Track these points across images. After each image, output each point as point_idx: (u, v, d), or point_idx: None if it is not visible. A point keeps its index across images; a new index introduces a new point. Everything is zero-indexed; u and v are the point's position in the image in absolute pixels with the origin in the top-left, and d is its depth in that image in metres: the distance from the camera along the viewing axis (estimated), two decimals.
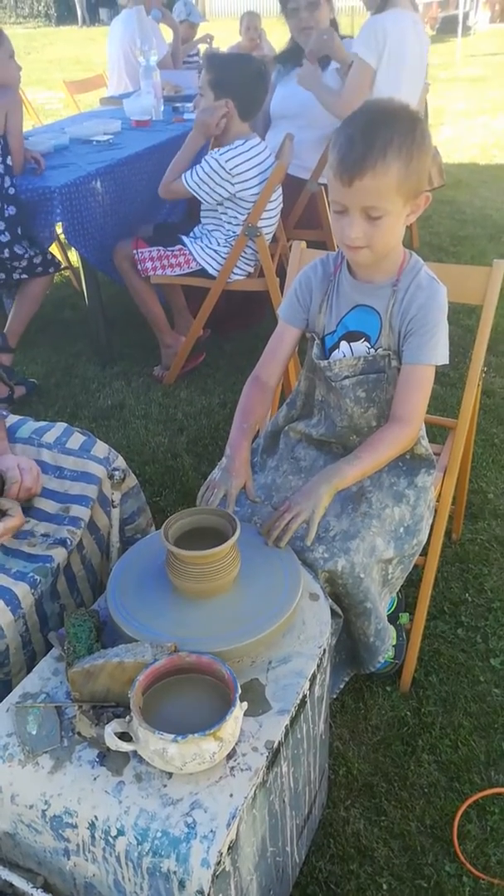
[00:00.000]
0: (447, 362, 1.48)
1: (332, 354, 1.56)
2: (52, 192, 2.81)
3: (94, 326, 3.30)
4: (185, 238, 2.97)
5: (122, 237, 3.09)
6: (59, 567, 1.37)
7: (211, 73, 2.74)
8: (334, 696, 1.67)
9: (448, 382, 2.86)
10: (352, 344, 1.53)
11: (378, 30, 2.88)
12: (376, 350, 1.51)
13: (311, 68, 3.08)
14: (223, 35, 8.30)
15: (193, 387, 3.13)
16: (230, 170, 2.71)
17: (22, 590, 1.29)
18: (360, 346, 1.53)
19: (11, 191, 2.83)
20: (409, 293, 1.46)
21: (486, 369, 1.78)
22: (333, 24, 3.16)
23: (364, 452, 1.45)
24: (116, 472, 1.50)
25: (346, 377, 1.53)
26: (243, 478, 1.48)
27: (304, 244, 1.90)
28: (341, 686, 1.67)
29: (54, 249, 3.71)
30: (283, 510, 1.37)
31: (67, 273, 4.13)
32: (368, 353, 1.51)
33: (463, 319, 3.23)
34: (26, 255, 2.93)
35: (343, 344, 1.54)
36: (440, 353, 1.46)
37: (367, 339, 1.52)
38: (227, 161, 2.71)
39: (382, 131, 1.29)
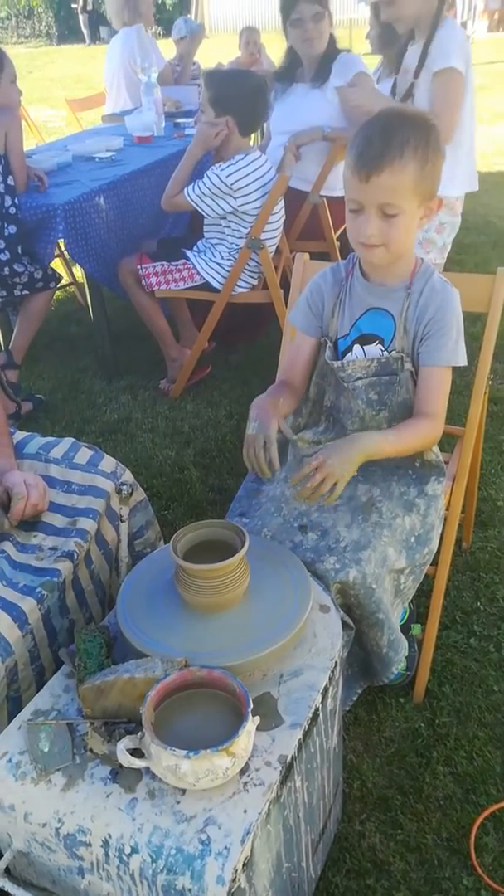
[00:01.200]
0: (466, 364, 1.50)
1: (345, 357, 1.56)
2: (56, 209, 2.84)
3: (99, 341, 3.32)
4: (188, 252, 2.99)
5: (125, 252, 3.10)
6: (65, 581, 1.37)
7: (210, 90, 2.76)
8: (347, 709, 1.66)
9: (455, 390, 2.82)
10: (365, 347, 1.54)
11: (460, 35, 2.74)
12: (390, 353, 1.51)
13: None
14: (223, 50, 8.37)
15: (200, 399, 3.13)
16: (231, 185, 2.73)
17: (29, 605, 1.29)
18: (374, 349, 1.53)
19: (13, 210, 2.85)
20: (424, 296, 1.48)
21: (492, 377, 1.78)
22: (332, 38, 3.18)
23: (396, 432, 1.48)
24: (124, 487, 1.50)
25: (359, 378, 1.53)
26: (274, 418, 1.49)
27: (307, 256, 1.91)
28: (354, 698, 1.66)
29: (59, 266, 3.74)
30: (315, 467, 1.37)
31: (72, 289, 4.16)
32: (382, 356, 1.52)
33: (468, 327, 3.20)
34: (26, 272, 2.95)
35: (356, 347, 1.55)
36: (459, 355, 1.48)
37: (381, 342, 1.53)
38: (227, 176, 2.73)
39: (400, 132, 1.34)
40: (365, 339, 1.55)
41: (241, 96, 2.75)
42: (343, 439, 1.45)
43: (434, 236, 2.59)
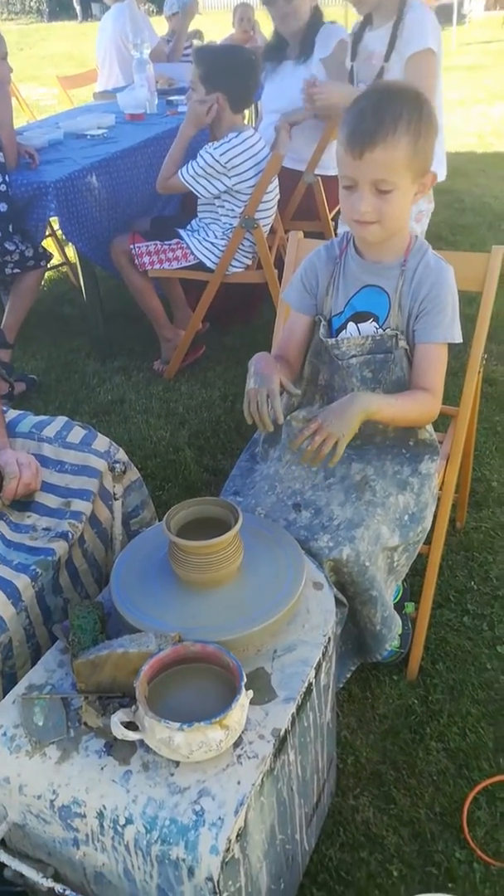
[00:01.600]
0: (461, 341, 1.49)
1: (340, 335, 1.56)
2: (47, 187, 2.80)
3: (92, 321, 3.30)
4: (182, 231, 2.96)
5: (118, 231, 3.08)
6: (60, 560, 1.37)
7: (201, 67, 2.73)
8: (341, 686, 1.67)
9: (449, 371, 2.81)
10: (359, 325, 1.54)
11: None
12: (384, 330, 1.51)
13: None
14: (217, 28, 8.26)
15: (194, 380, 3.12)
16: (225, 163, 2.70)
17: (23, 582, 1.29)
18: (368, 327, 1.53)
19: (3, 187, 2.82)
20: (419, 273, 1.48)
21: (486, 356, 1.77)
22: (316, 11, 3.13)
23: (396, 397, 1.48)
24: (117, 465, 1.49)
25: (354, 356, 1.53)
26: (277, 372, 1.49)
27: (301, 234, 1.89)
28: (347, 675, 1.67)
29: (51, 245, 3.71)
30: (314, 428, 1.37)
31: (65, 269, 4.13)
32: (376, 333, 1.51)
33: (464, 308, 3.20)
34: (17, 250, 2.92)
35: (350, 325, 1.54)
36: (455, 332, 1.48)
37: (376, 320, 1.52)
38: (221, 155, 2.70)
39: (392, 106, 1.33)
40: (359, 317, 1.54)
41: (231, 72, 2.72)
42: (342, 399, 1.44)
43: (413, 226, 2.49)
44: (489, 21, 13.36)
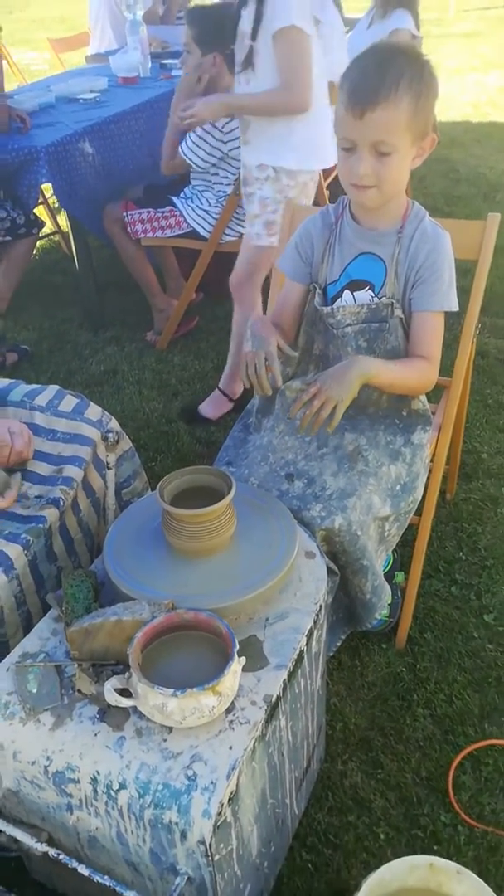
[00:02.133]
0: (457, 309, 1.49)
1: (335, 304, 1.55)
2: (39, 152, 2.76)
3: (85, 291, 3.26)
4: (175, 199, 2.92)
5: (112, 197, 3.03)
6: (52, 528, 1.37)
7: (195, 28, 2.66)
8: (331, 654, 1.69)
9: (443, 342, 2.84)
10: (355, 293, 1.53)
11: None
12: (380, 298, 1.50)
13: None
14: None
15: (187, 351, 3.11)
16: (221, 127, 2.66)
17: (14, 551, 1.29)
18: (364, 295, 1.52)
19: None
20: (415, 240, 1.46)
21: (479, 326, 1.77)
22: None
23: (395, 364, 1.47)
24: (110, 434, 1.49)
25: (349, 325, 1.52)
26: (274, 335, 1.48)
27: (296, 201, 1.87)
28: (338, 644, 1.69)
29: (43, 213, 3.66)
30: (313, 392, 1.37)
31: (57, 238, 4.08)
32: (372, 302, 1.50)
33: (458, 280, 3.19)
34: (9, 217, 2.88)
35: (346, 293, 1.53)
36: (452, 300, 1.48)
37: (371, 288, 1.51)
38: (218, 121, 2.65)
39: (394, 65, 1.30)
40: (355, 285, 1.53)
41: (228, 30, 2.65)
42: (340, 364, 1.43)
43: (280, 219, 2.23)
44: None
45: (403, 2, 3.51)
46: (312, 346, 1.63)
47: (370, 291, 1.51)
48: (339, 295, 1.54)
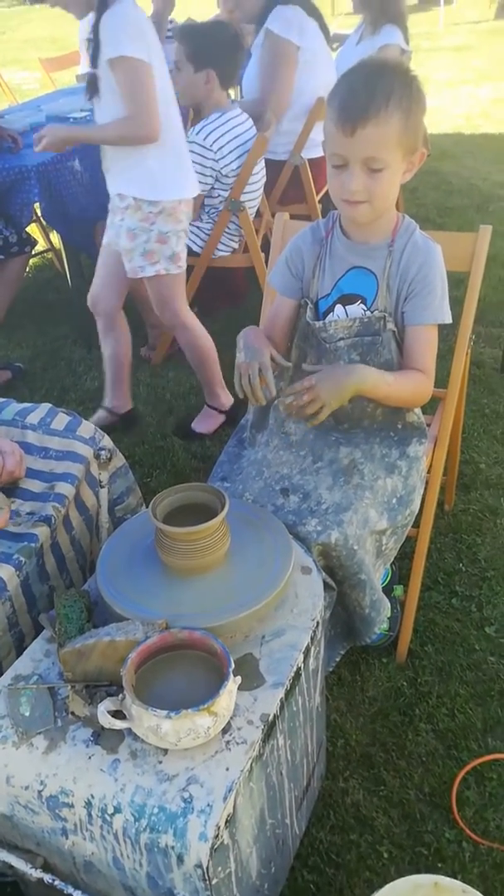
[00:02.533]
0: (451, 321, 1.49)
1: (327, 318, 1.54)
2: (30, 171, 2.76)
3: (78, 308, 3.24)
4: None
5: (102, 215, 3.03)
6: (43, 546, 1.36)
7: (187, 44, 2.68)
8: (330, 670, 1.67)
9: (437, 353, 2.85)
10: (347, 307, 1.52)
11: None
12: (372, 312, 1.49)
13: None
14: (202, 10, 8.14)
15: (181, 367, 3.09)
16: (210, 146, 2.67)
17: (7, 572, 1.27)
18: (356, 309, 1.52)
19: None
20: (406, 254, 1.46)
21: (473, 338, 1.77)
22: None
23: (393, 376, 1.47)
24: (102, 452, 1.48)
25: (342, 339, 1.51)
26: (267, 345, 1.49)
27: (287, 215, 1.87)
28: (337, 659, 1.67)
29: (35, 231, 3.66)
30: (307, 386, 1.38)
31: (50, 255, 4.08)
32: (364, 315, 1.50)
33: (451, 290, 3.20)
34: (1, 236, 2.88)
35: (338, 307, 1.53)
36: (445, 313, 1.48)
37: (363, 302, 1.51)
38: (204, 138, 2.67)
39: (383, 82, 1.31)
40: (347, 299, 1.53)
41: (220, 47, 2.68)
42: (342, 367, 1.44)
43: (156, 246, 2.30)
44: (477, 1, 13.23)
45: (392, 17, 3.53)
46: (305, 361, 1.62)
47: (362, 305, 1.51)
48: (330, 309, 1.54)
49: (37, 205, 2.98)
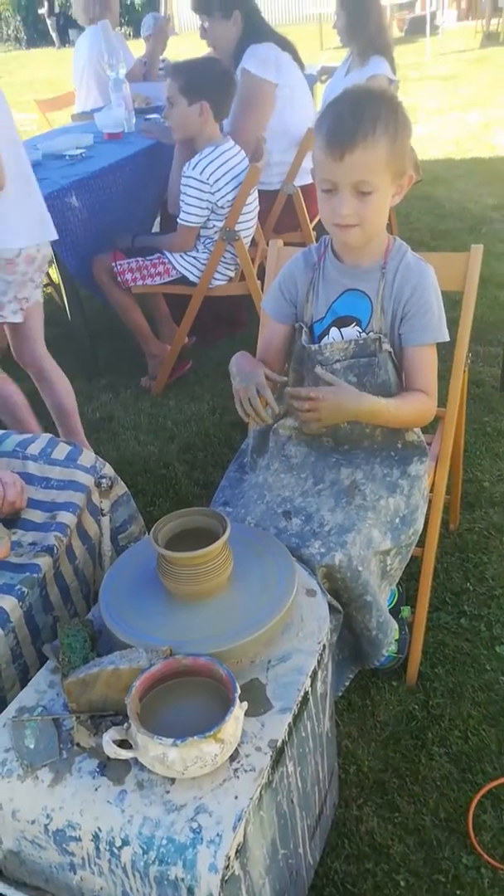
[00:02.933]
0: (448, 339, 1.50)
1: (322, 340, 1.55)
2: None
3: (78, 341, 3.29)
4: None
5: (100, 248, 3.08)
6: (46, 577, 1.35)
7: (179, 78, 2.74)
8: (339, 694, 1.65)
9: (437, 374, 2.86)
10: (342, 329, 1.53)
11: None
12: (367, 334, 1.50)
13: None
14: (192, 49, 8.33)
15: (182, 395, 3.12)
16: (206, 179, 2.71)
17: (10, 603, 1.26)
18: (351, 331, 1.52)
19: None
20: (399, 275, 1.48)
21: (469, 355, 1.77)
22: (248, 32, 3.19)
23: (396, 403, 1.48)
24: (104, 480, 1.48)
25: (338, 360, 1.52)
26: (259, 366, 1.52)
27: (281, 242, 1.89)
28: (346, 683, 1.65)
29: None
30: (313, 397, 1.41)
31: (49, 290, 4.12)
32: (360, 337, 1.50)
33: (449, 311, 3.22)
34: None
35: (333, 330, 1.54)
36: (443, 331, 1.49)
37: (358, 323, 1.52)
38: (200, 172, 2.71)
39: (370, 107, 1.34)
40: (341, 322, 1.54)
41: (212, 79, 2.74)
42: (351, 393, 1.44)
43: None
44: (463, 31, 13.51)
45: (379, 49, 3.61)
46: (302, 385, 1.63)
47: (357, 327, 1.52)
48: (325, 332, 1.55)
49: None
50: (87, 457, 1.58)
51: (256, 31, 3.20)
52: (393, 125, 1.34)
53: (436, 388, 1.53)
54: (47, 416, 3.03)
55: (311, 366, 1.57)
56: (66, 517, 1.43)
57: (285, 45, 3.26)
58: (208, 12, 3.21)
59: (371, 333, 1.50)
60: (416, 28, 13.28)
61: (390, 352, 1.51)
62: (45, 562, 1.35)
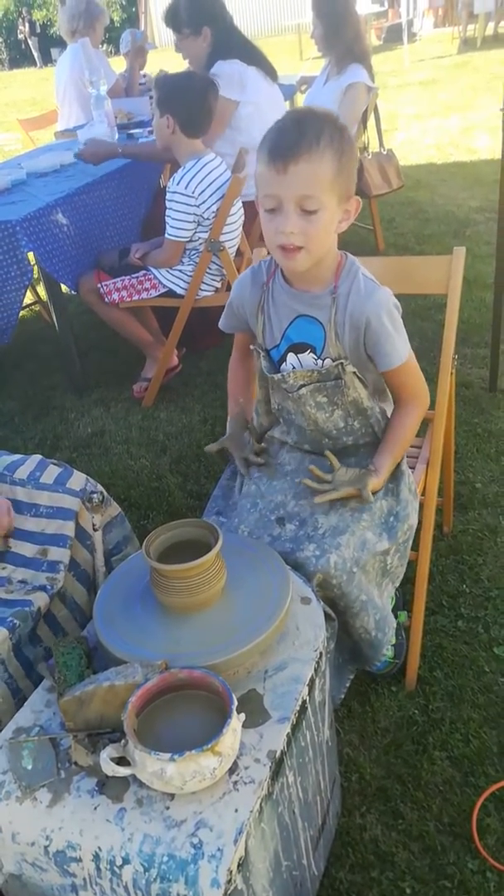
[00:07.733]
0: (410, 351, 1.50)
1: (282, 367, 1.53)
2: (14, 225, 2.81)
3: (67, 357, 3.29)
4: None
5: (88, 264, 3.09)
6: (39, 611, 1.34)
7: (157, 92, 2.79)
8: (340, 698, 1.64)
9: (426, 378, 2.86)
10: (299, 356, 1.51)
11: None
12: (323, 360, 1.48)
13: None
14: (173, 64, 8.38)
15: (173, 407, 3.11)
16: (192, 192, 2.72)
17: (0, 635, 1.25)
18: (307, 358, 1.50)
19: None
20: (351, 301, 1.43)
21: (456, 358, 1.78)
22: (217, 49, 3.23)
23: (391, 450, 1.53)
24: (95, 495, 1.47)
25: (303, 385, 1.50)
26: (238, 427, 1.70)
27: (264, 251, 1.89)
28: (347, 685, 1.64)
29: None
30: (328, 481, 1.49)
31: (37, 307, 4.13)
32: (321, 367, 1.48)
33: (436, 315, 3.23)
34: None
35: (290, 356, 1.52)
36: (407, 348, 1.48)
37: (313, 350, 1.49)
38: (185, 187, 2.72)
39: (313, 122, 1.31)
40: (297, 348, 1.51)
41: (181, 95, 2.75)
42: (364, 478, 1.48)
43: None
44: (440, 37, 13.61)
45: (357, 57, 3.64)
46: (271, 400, 1.62)
47: (312, 354, 1.49)
48: (283, 358, 1.52)
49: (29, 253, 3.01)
50: (77, 479, 1.53)
51: (226, 47, 3.24)
52: (338, 142, 1.30)
53: (425, 389, 1.54)
54: (40, 445, 3.02)
55: (276, 387, 1.56)
56: (59, 553, 1.41)
57: (254, 59, 3.30)
58: (177, 29, 3.28)
59: (327, 361, 1.47)
60: (394, 36, 13.39)
61: (355, 371, 1.47)
62: (39, 598, 1.34)
